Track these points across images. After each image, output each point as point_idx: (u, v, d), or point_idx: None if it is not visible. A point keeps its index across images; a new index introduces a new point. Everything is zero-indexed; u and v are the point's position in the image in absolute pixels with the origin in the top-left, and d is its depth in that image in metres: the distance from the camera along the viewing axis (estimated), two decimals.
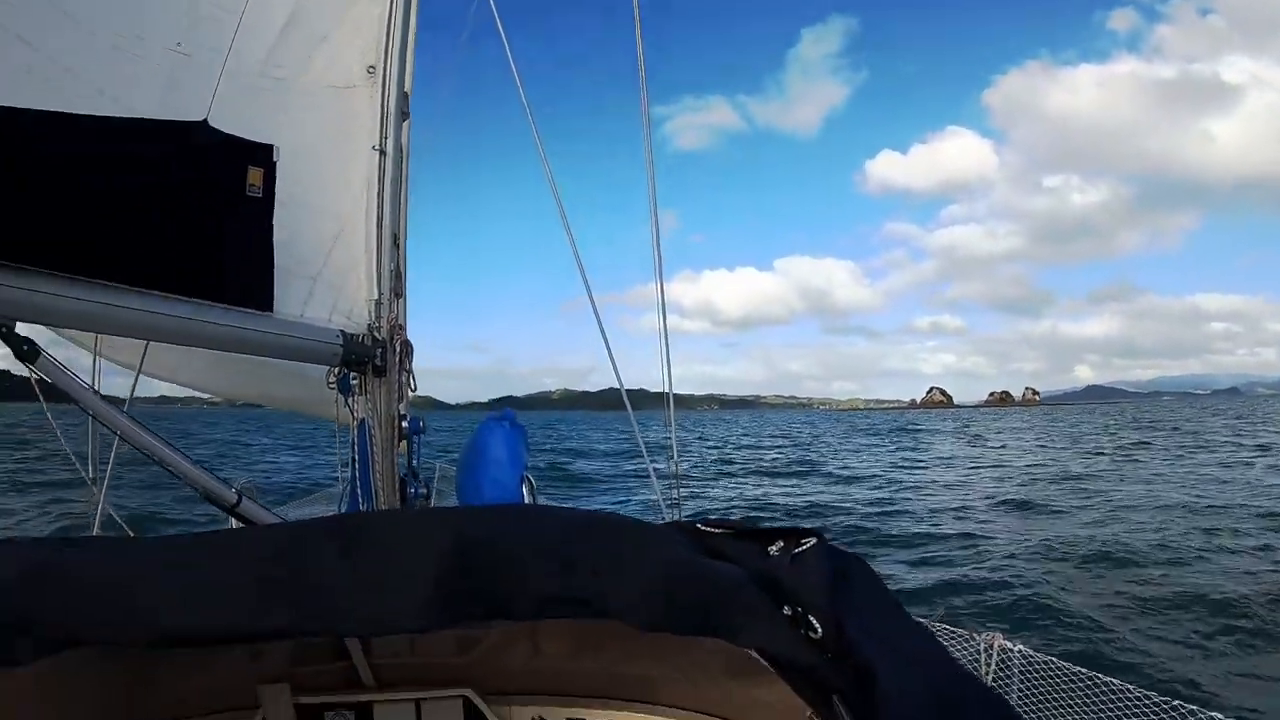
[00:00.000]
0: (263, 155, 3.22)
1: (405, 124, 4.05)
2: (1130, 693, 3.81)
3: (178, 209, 2.97)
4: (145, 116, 2.86)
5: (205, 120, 2.99)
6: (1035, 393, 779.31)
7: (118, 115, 2.79)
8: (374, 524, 1.70)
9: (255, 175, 3.18)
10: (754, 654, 1.71)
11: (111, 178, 2.78)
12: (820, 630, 1.58)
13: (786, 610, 1.64)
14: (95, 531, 3.69)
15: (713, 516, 2.03)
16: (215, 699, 2.66)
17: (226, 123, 3.09)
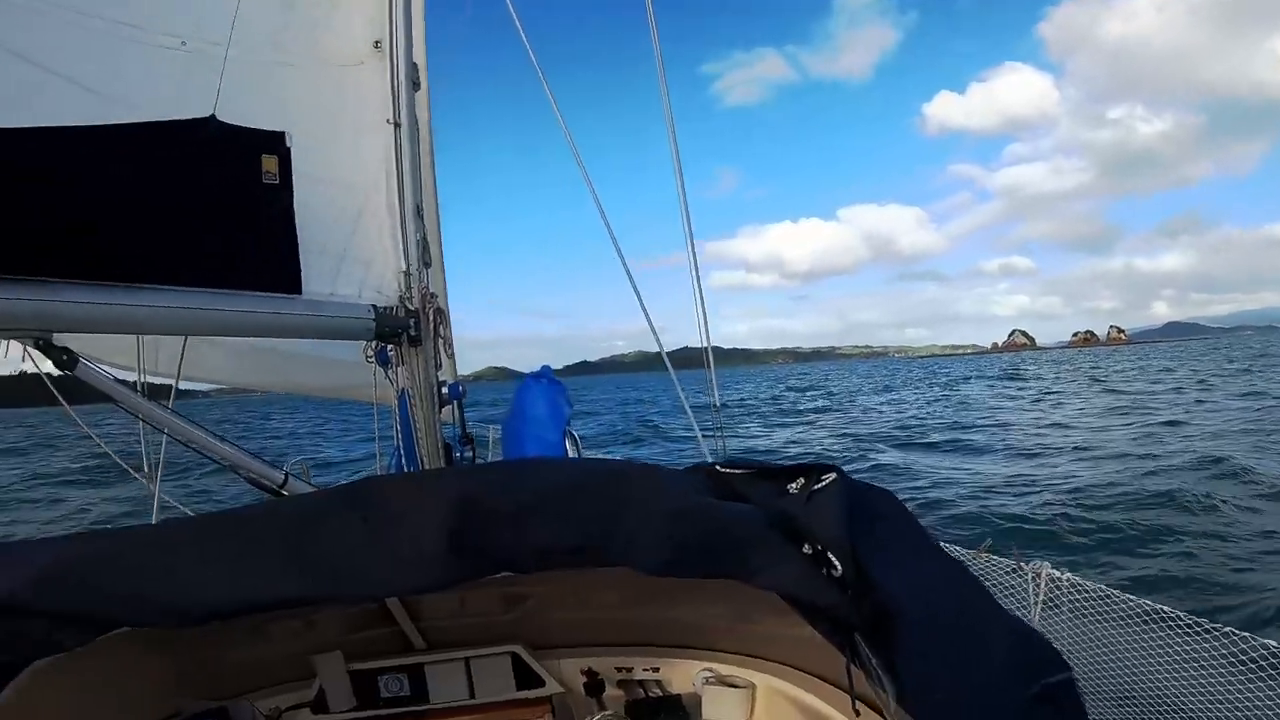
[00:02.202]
0: (275, 142, 3.26)
1: (419, 94, 4.05)
2: (1181, 620, 3.70)
3: (198, 205, 3.04)
4: (154, 119, 2.92)
5: (213, 115, 3.04)
6: (1121, 331, 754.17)
7: (128, 121, 2.85)
8: (383, 489, 1.71)
9: (270, 163, 3.23)
10: (773, 595, 1.71)
11: (130, 182, 2.85)
12: (840, 568, 1.57)
13: (806, 549, 1.62)
14: (154, 519, 3.84)
15: (731, 458, 2.00)
16: (271, 672, 2.77)
17: (236, 114, 3.14)
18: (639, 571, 1.64)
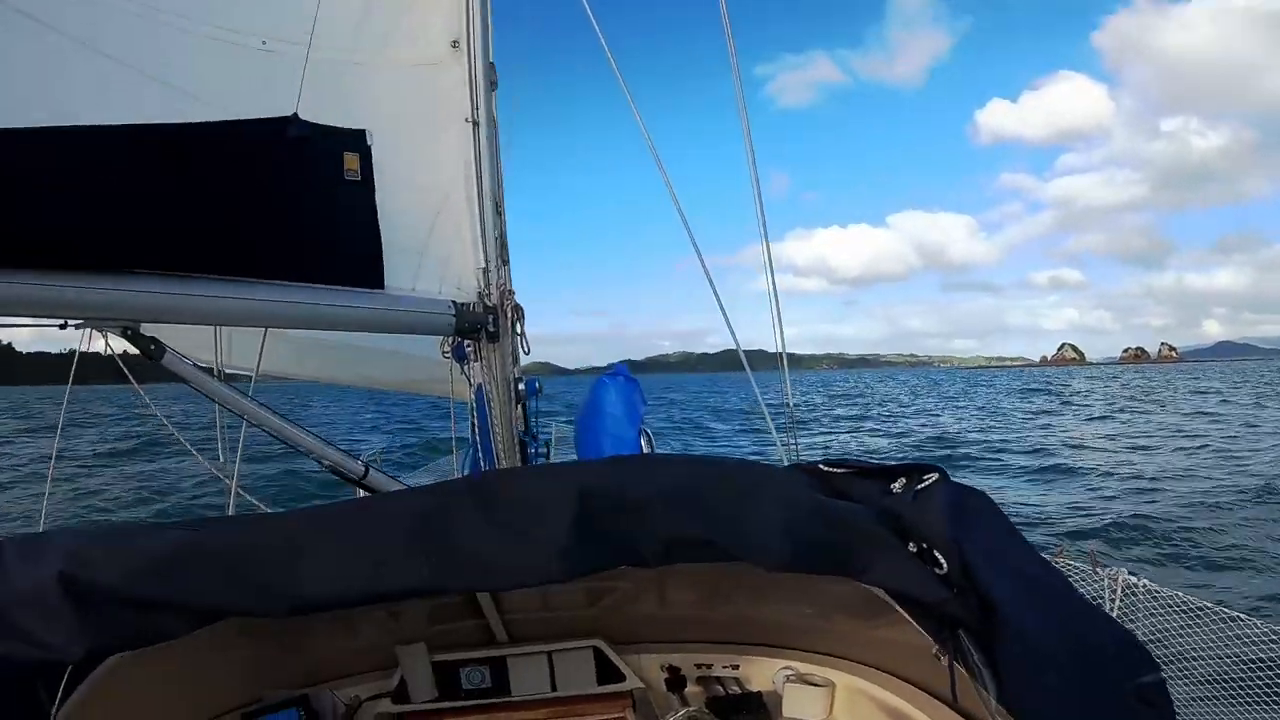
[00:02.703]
0: (356, 140, 3.35)
1: (494, 93, 4.11)
2: (1258, 628, 3.61)
3: (283, 201, 3.14)
4: (240, 118, 3.02)
5: (295, 114, 3.12)
6: (1173, 349, 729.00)
7: (216, 120, 2.95)
8: (506, 481, 1.74)
9: (352, 160, 3.31)
10: (879, 593, 1.76)
11: (218, 178, 2.96)
12: (945, 566, 1.58)
13: (912, 547, 1.64)
14: (230, 512, 3.94)
15: (833, 457, 2.01)
16: (356, 661, 2.82)
17: (317, 113, 3.22)
18: (759, 567, 1.65)
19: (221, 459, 4.26)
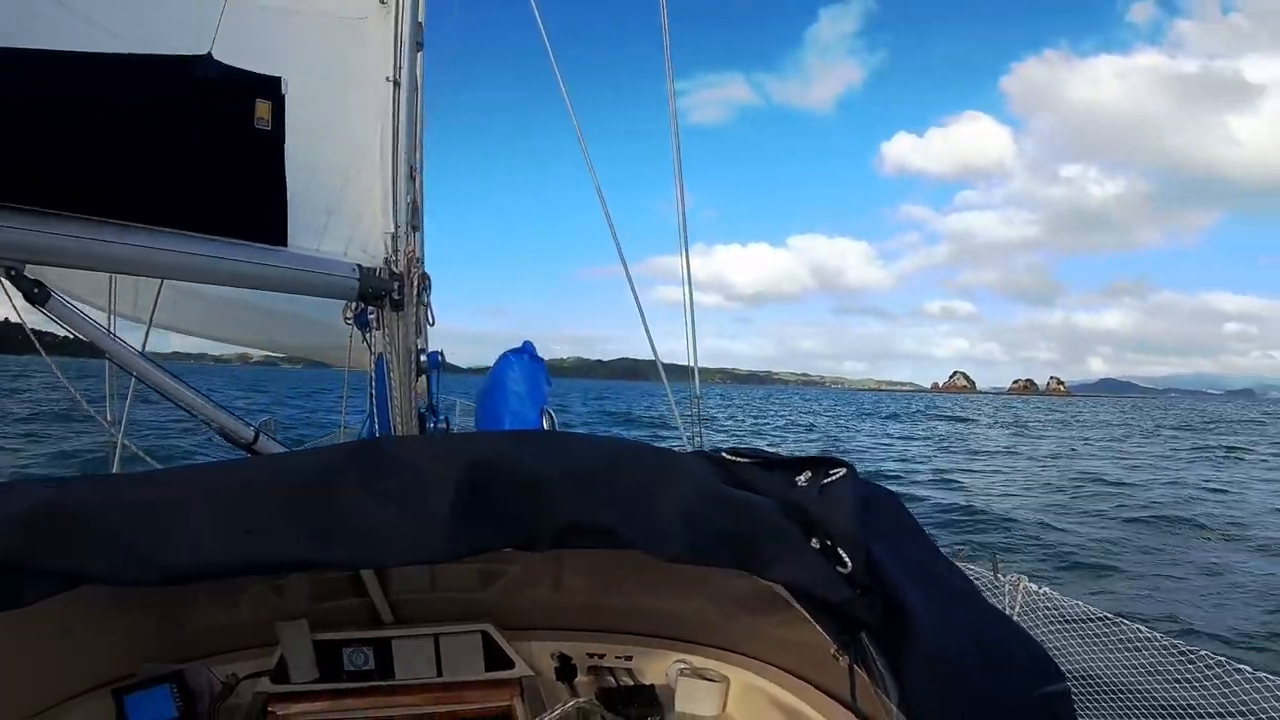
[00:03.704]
0: (270, 88, 3.16)
1: (419, 55, 3.98)
2: (1158, 640, 3.76)
3: (185, 145, 2.95)
4: (148, 52, 2.82)
5: (209, 54, 2.93)
6: (1061, 383, 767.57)
7: (121, 52, 2.75)
8: (396, 448, 1.62)
9: (263, 109, 3.13)
10: (779, 589, 1.68)
11: (117, 115, 2.75)
12: (850, 564, 1.53)
13: (815, 543, 1.58)
14: (115, 470, 3.74)
15: (738, 447, 1.95)
16: (235, 636, 2.69)
17: (233, 56, 3.03)
18: (656, 557, 1.55)
19: (109, 414, 4.02)
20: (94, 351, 2.95)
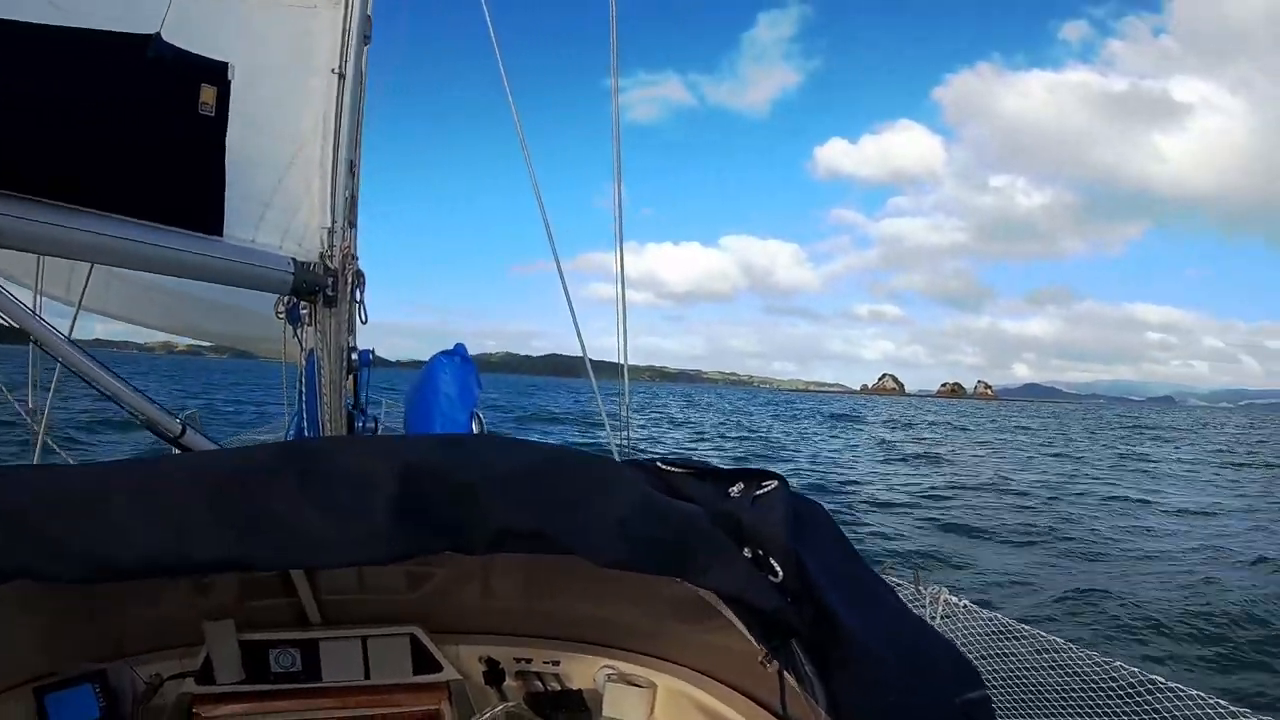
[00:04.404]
0: (217, 73, 3.07)
1: (366, 47, 3.92)
2: (1072, 651, 3.93)
3: (125, 126, 2.83)
4: (94, 28, 2.72)
5: (158, 34, 2.84)
6: (988, 387, 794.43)
7: (64, 25, 2.64)
8: (328, 449, 1.59)
9: (208, 94, 3.04)
10: (710, 597, 1.70)
11: (55, 90, 2.63)
12: (781, 573, 1.58)
13: (747, 552, 1.62)
14: (35, 461, 3.57)
15: (671, 456, 1.99)
16: (160, 635, 2.61)
17: (180, 37, 2.94)
18: (591, 563, 1.56)
19: (30, 402, 3.83)
20: (16, 335, 2.81)
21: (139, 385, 3.19)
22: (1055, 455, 39.83)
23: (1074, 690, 3.97)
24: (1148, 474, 31.71)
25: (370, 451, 1.61)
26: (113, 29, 2.77)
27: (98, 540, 1.35)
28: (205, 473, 1.50)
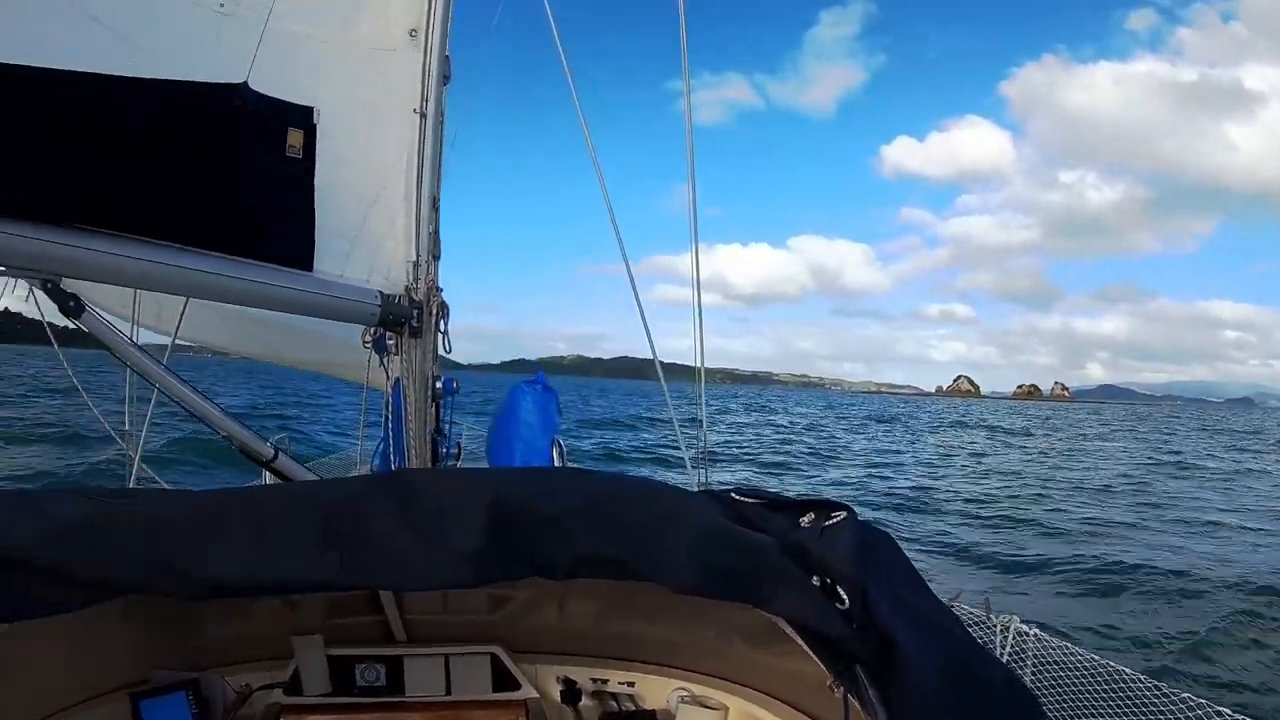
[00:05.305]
0: (303, 117, 3.26)
1: (445, 87, 4.06)
2: (1142, 683, 3.82)
3: (220, 170, 3.03)
4: (186, 79, 2.92)
5: (245, 82, 3.03)
6: (1065, 388, 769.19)
7: (160, 77, 2.84)
8: (424, 481, 1.73)
9: (295, 137, 3.22)
10: (780, 622, 1.77)
11: (155, 138, 2.84)
12: (848, 601, 1.63)
13: (816, 581, 1.68)
14: (131, 485, 3.77)
15: (744, 487, 2.05)
16: (250, 648, 2.73)
17: (267, 84, 3.13)
18: (667, 589, 1.67)
19: (128, 427, 4.05)
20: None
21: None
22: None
23: None
24: None
25: (462, 483, 1.74)
26: (205, 79, 2.97)
27: (210, 561, 1.49)
28: (311, 502, 1.65)
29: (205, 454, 15.35)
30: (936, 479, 27.99)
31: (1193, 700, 3.67)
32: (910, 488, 24.74)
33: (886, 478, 27.62)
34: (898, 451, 39.81)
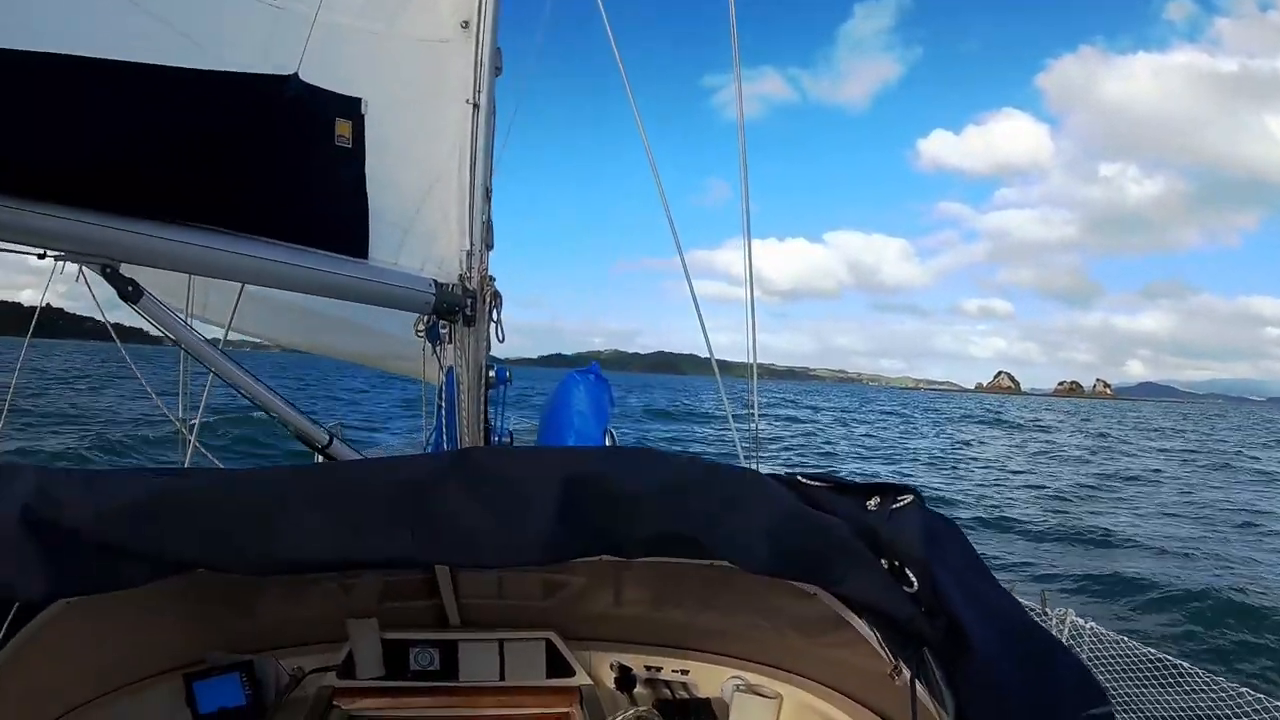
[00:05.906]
0: (350, 107, 3.32)
1: (497, 78, 4.09)
2: (1199, 677, 3.74)
3: (272, 158, 3.12)
4: (238, 70, 3.00)
5: (296, 74, 3.11)
6: (1107, 385, 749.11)
7: (213, 69, 2.93)
8: (494, 459, 1.74)
9: (344, 127, 3.29)
10: (840, 609, 1.85)
11: (209, 127, 2.93)
12: (916, 584, 1.64)
13: (884, 563, 1.70)
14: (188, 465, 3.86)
15: (809, 471, 2.06)
16: (306, 630, 2.78)
17: (318, 75, 3.20)
18: (739, 568, 1.69)
19: (181, 412, 4.16)
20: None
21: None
22: None
23: (1200, 716, 3.75)
24: None
25: (533, 462, 1.74)
26: (256, 69, 3.05)
27: (278, 537, 1.52)
28: (380, 477, 1.67)
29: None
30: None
31: (1251, 694, 3.57)
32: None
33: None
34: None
